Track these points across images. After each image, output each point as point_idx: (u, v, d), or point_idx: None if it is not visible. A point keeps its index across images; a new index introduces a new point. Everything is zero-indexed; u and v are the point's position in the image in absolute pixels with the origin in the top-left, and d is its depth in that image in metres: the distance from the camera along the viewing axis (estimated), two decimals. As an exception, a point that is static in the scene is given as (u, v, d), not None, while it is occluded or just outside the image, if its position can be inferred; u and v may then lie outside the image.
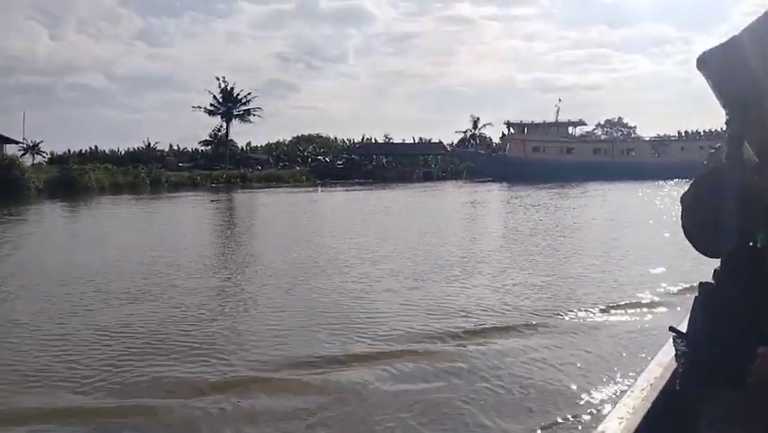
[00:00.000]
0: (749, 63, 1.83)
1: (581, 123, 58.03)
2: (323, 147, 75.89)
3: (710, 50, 1.87)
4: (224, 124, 66.17)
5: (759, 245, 1.83)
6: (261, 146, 78.67)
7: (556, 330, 6.34)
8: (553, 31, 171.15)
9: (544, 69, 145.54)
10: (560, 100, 59.84)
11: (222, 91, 65.63)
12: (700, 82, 1.97)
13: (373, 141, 75.82)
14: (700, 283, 2.02)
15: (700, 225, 2.00)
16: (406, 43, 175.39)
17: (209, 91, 65.39)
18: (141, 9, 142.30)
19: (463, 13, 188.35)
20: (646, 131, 56.64)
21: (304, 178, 54.96)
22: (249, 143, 78.21)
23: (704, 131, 54.68)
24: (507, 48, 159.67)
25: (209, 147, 69.95)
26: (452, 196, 29.25)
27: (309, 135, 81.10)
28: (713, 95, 2.01)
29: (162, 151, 65.77)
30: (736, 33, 1.78)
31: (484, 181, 50.29)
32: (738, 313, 1.88)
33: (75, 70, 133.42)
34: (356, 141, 77.90)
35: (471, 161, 62.17)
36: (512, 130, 59.65)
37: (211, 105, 65.37)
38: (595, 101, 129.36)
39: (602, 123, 70.54)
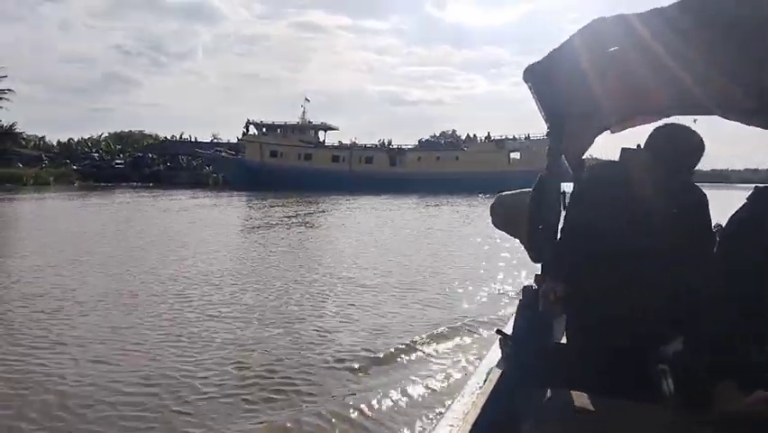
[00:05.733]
0: (563, 79, 2.07)
1: (328, 127, 53.30)
2: (134, 144, 66.75)
3: (535, 63, 2.04)
4: None
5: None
6: (61, 142, 67.88)
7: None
8: (404, 46, 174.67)
9: (394, 83, 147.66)
10: (307, 100, 54.90)
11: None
12: (532, 103, 2.24)
13: (194, 140, 65.38)
14: (523, 287, 2.30)
15: (528, 234, 2.33)
16: (259, 46, 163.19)
17: None
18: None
19: (317, 21, 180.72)
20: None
21: (51, 179, 45.02)
22: (43, 138, 67.80)
23: (445, 141, 55.23)
24: (360, 59, 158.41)
25: None
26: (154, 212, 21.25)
27: (130, 132, 73.73)
28: (536, 107, 2.27)
29: None
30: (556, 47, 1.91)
31: (222, 190, 42.20)
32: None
33: None
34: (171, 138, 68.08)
35: (212, 165, 53.26)
36: (253, 131, 52.84)
37: None
38: (439, 116, 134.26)
39: (437, 135, 69.29)
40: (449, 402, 1.93)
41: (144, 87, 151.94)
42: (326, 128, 53.30)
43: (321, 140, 52.88)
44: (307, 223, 18.84)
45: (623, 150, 2.22)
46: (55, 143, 68.97)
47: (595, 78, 2.08)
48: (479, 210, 24.51)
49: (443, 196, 34.14)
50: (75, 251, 11.06)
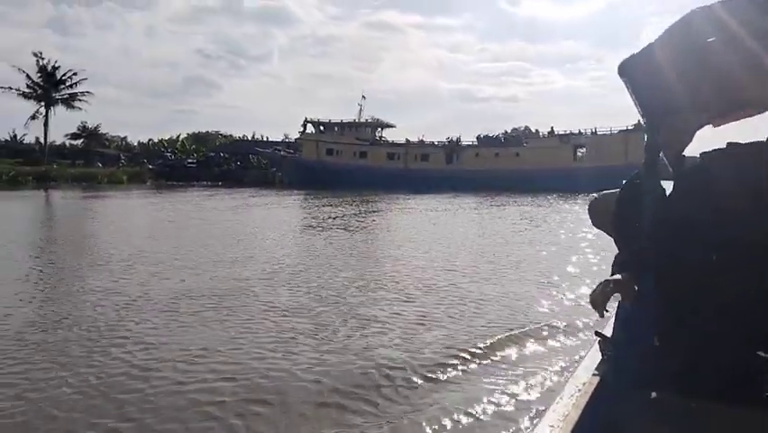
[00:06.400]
0: (659, 73, 1.93)
1: (385, 124, 52.48)
2: (208, 144, 70.05)
3: (631, 56, 1.94)
4: (43, 110, 53.13)
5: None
6: (141, 142, 72.85)
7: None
8: (476, 43, 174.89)
9: (467, 80, 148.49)
10: (363, 98, 54.43)
11: (40, 70, 52.20)
12: (612, 99, 1.95)
13: (266, 140, 67.86)
14: None
15: (623, 232, 2.21)
16: (333, 47, 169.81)
17: (21, 69, 52.45)
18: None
19: (389, 21, 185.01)
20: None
21: (125, 178, 47.15)
22: (125, 138, 72.99)
23: (504, 136, 52.73)
24: (432, 57, 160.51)
25: (80, 141, 61.91)
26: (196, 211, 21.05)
27: (207, 132, 76.62)
28: (632, 102, 2.12)
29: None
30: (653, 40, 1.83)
31: (283, 189, 41.96)
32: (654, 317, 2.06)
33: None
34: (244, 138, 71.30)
35: (272, 163, 53.89)
36: (310, 129, 52.81)
37: (28, 86, 52.12)
38: (514, 113, 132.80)
39: (509, 131, 67.66)
40: (548, 404, 1.96)
41: (224, 89, 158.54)
42: (382, 125, 52.56)
43: (378, 137, 52.24)
44: (370, 227, 18.02)
45: (728, 144, 2.12)
46: (135, 144, 72.52)
47: (692, 72, 2.01)
48: (544, 211, 22.63)
49: (505, 195, 32.33)
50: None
